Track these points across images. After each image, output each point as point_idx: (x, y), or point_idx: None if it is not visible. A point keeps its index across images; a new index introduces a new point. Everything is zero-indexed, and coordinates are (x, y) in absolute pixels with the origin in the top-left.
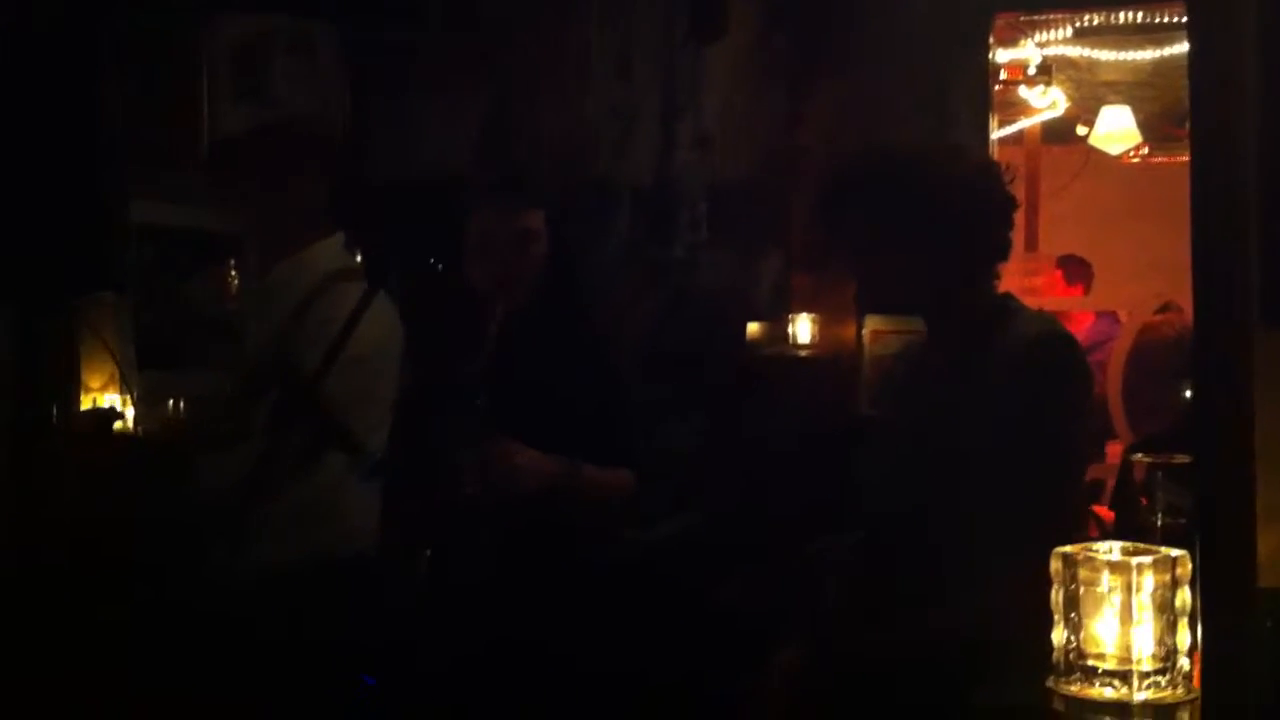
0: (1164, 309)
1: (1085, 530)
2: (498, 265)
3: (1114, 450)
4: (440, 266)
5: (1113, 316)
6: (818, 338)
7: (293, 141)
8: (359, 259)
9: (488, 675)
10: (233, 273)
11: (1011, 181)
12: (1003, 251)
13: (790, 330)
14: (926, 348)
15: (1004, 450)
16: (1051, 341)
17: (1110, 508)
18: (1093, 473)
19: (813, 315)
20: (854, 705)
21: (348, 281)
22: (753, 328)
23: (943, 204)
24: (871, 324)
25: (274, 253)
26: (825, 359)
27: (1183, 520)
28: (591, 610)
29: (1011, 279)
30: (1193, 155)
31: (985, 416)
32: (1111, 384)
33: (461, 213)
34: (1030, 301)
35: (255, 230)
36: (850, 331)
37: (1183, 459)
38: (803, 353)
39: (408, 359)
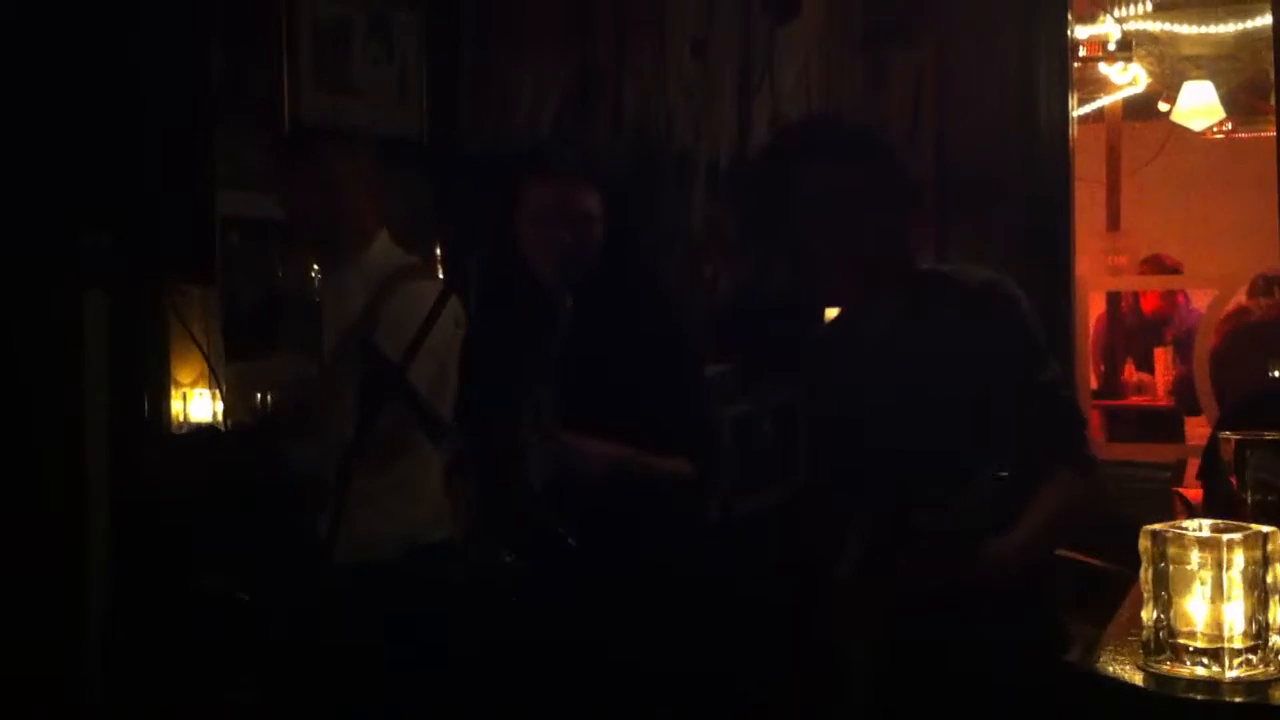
0: (1253, 285)
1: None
2: (556, 246)
3: (1195, 429)
4: (501, 252)
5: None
6: None
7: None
8: (410, 254)
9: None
10: (315, 265)
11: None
12: (911, 204)
13: None
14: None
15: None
16: (991, 285)
17: (1198, 478)
18: (1174, 453)
19: None
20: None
21: (412, 280)
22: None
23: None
24: None
25: (339, 250)
26: None
27: (1273, 497)
28: (680, 590)
29: (1093, 258)
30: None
31: (951, 365)
32: (1198, 362)
33: (520, 194)
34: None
35: (323, 227)
36: None
37: (1274, 435)
38: None
39: (471, 347)
